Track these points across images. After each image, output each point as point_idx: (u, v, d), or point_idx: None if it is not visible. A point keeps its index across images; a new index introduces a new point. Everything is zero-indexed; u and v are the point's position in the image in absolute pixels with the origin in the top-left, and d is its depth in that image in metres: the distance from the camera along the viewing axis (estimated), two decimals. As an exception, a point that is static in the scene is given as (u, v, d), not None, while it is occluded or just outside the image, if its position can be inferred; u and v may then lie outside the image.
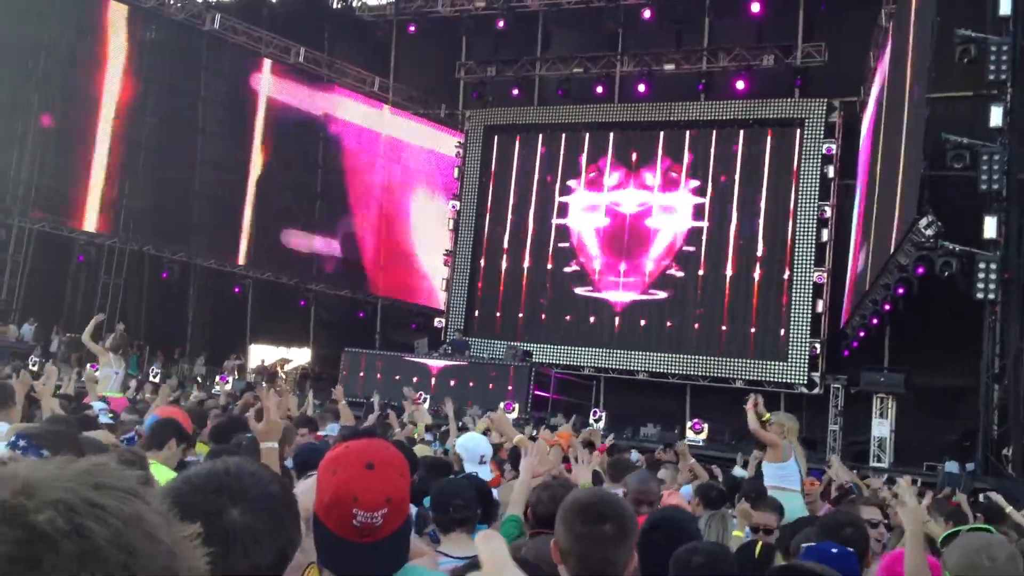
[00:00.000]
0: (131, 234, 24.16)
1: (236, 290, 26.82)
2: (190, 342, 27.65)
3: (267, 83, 26.46)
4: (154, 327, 26.36)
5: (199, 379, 23.71)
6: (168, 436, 5.20)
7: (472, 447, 4.79)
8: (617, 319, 24.91)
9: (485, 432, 9.41)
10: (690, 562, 3.24)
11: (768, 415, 9.72)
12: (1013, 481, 14.62)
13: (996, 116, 16.27)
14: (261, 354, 27.35)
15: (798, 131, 23.66)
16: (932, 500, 6.59)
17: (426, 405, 17.77)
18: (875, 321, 18.81)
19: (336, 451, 3.18)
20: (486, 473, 4.66)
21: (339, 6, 29.35)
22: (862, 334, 19.77)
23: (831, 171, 23.05)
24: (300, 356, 27.66)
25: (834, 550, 4.07)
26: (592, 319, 25.20)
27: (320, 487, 3.00)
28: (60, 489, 0.85)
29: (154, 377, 19.95)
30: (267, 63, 26.37)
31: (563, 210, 26.10)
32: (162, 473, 4.44)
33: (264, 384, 22.48)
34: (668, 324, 24.36)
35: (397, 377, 21.26)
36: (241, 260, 25.78)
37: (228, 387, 20.27)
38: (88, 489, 0.86)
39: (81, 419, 6.97)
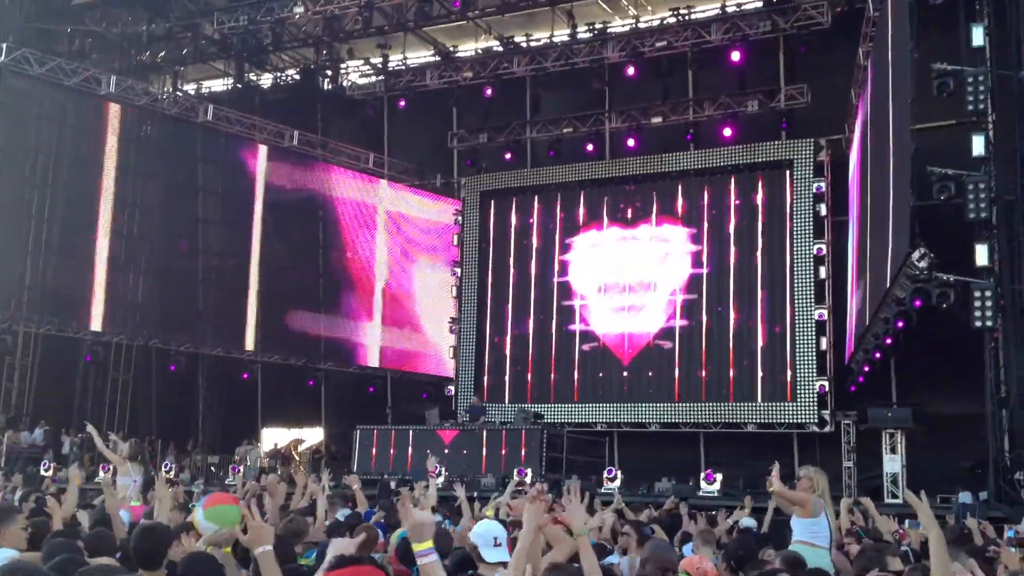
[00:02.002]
0: (137, 329, 24.31)
1: (245, 376, 26.96)
2: (202, 433, 27.72)
3: (264, 168, 26.76)
4: (165, 420, 26.47)
5: (212, 469, 23.74)
6: None
7: (484, 532, 4.81)
8: (625, 372, 24.94)
9: (496, 513, 9.42)
10: None
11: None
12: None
13: (978, 145, 16.35)
14: (274, 437, 27.41)
15: (788, 172, 23.80)
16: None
17: (441, 479, 18.01)
18: (878, 355, 18.72)
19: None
20: (503, 554, 4.69)
21: (329, 87, 29.79)
22: (867, 369, 19.69)
23: (823, 209, 23.08)
24: (313, 436, 27.66)
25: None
26: (600, 374, 25.23)
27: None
28: None
29: (167, 472, 20.01)
30: (262, 148, 26.67)
31: (563, 268, 26.25)
32: None
33: (278, 467, 22.62)
34: (676, 374, 24.35)
35: (410, 450, 21.70)
36: (248, 346, 25.89)
37: (240, 476, 20.31)
38: None
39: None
